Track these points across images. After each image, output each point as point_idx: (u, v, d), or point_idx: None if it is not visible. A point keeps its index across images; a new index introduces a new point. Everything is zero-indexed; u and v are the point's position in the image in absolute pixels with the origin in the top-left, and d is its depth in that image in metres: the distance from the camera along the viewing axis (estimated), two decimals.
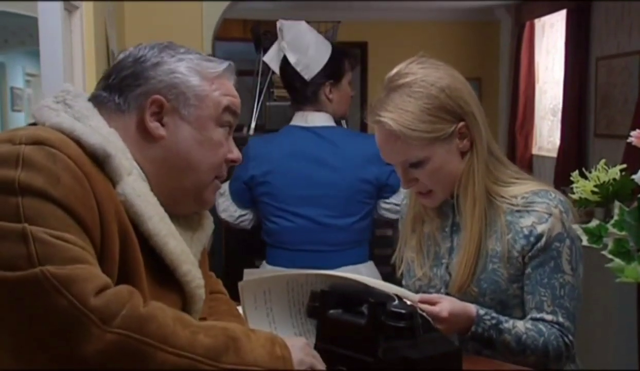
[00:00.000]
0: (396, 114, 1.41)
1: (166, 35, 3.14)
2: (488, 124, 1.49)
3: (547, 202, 1.42)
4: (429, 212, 1.54)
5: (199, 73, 1.13)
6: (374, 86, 6.06)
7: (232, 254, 3.24)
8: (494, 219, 1.45)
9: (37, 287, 0.89)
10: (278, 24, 2.39)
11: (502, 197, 1.45)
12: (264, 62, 3.73)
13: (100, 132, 1.07)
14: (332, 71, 2.33)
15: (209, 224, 1.23)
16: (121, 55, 1.16)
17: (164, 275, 1.09)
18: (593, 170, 1.02)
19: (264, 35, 3.67)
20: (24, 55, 7.78)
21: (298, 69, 2.28)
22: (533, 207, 1.42)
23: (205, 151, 1.13)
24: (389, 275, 3.07)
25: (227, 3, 3.13)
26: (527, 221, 1.42)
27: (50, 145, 0.97)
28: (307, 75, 2.29)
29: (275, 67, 2.39)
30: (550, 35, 5.10)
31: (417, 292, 1.54)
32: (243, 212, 2.40)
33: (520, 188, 1.45)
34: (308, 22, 4.43)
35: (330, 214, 2.26)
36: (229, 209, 2.41)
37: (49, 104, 1.09)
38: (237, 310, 1.34)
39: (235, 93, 1.18)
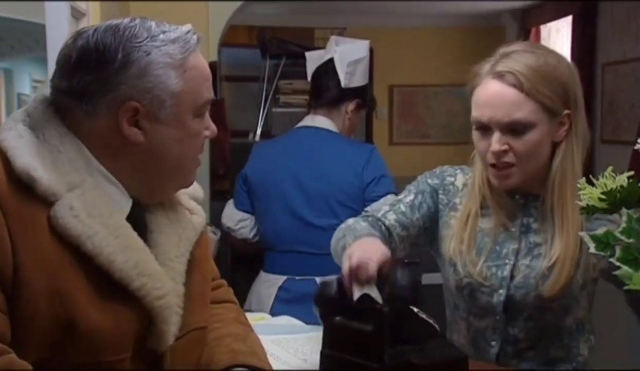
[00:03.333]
0: (525, 69, 1.37)
1: None
2: None
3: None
4: (491, 208, 1.48)
5: (170, 65, 1.07)
6: (379, 91, 6.06)
7: (237, 261, 3.24)
8: None
9: None
10: (333, 39, 2.50)
11: None
12: (270, 68, 3.76)
13: (50, 142, 1.04)
14: (362, 95, 2.43)
15: (200, 222, 1.21)
16: (79, 43, 1.07)
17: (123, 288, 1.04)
18: (600, 177, 1.02)
19: (270, 41, 3.68)
20: (30, 61, 7.79)
21: (340, 72, 2.34)
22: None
23: (186, 146, 1.11)
24: None
25: (232, 10, 3.14)
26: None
27: None
28: (346, 81, 2.36)
29: (312, 67, 2.46)
30: (556, 41, 5.09)
31: (462, 289, 1.50)
32: (244, 216, 2.42)
33: None
34: (314, 28, 4.44)
35: (316, 214, 2.29)
36: (230, 213, 2.45)
37: (15, 115, 1.08)
38: (245, 318, 1.33)
39: (207, 69, 1.13)
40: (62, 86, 1.08)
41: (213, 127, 1.16)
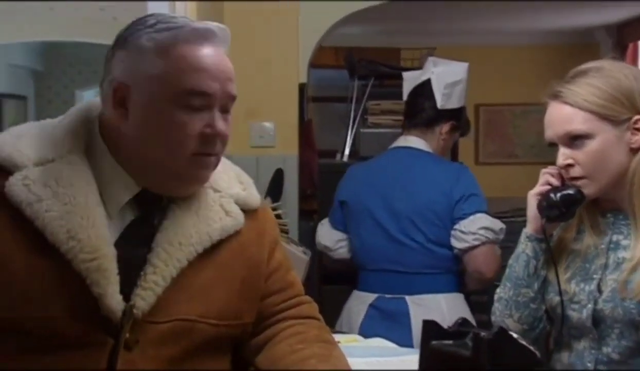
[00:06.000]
0: (574, 86, 1.44)
1: (264, 65, 3.20)
2: None
3: None
4: (585, 228, 1.51)
5: (152, 50, 1.11)
6: (470, 111, 5.98)
7: (327, 281, 3.25)
8: None
9: None
10: (430, 59, 2.53)
11: None
12: (357, 89, 3.78)
13: (54, 123, 1.18)
14: (457, 117, 2.45)
15: (231, 225, 1.20)
16: None
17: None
18: None
19: (358, 62, 3.70)
20: None
21: (437, 93, 2.38)
22: None
23: (168, 136, 1.11)
24: (484, 304, 3.01)
25: (322, 31, 3.18)
26: None
27: None
28: (442, 103, 2.38)
29: (408, 87, 2.51)
30: None
31: (554, 308, 1.53)
32: (342, 236, 2.47)
33: None
34: (401, 48, 4.43)
35: (404, 232, 2.32)
36: (327, 233, 2.48)
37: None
38: (328, 335, 1.31)
39: (205, 61, 1.11)
40: None
41: (217, 126, 1.13)
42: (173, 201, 1.18)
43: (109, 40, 1.20)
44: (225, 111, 1.16)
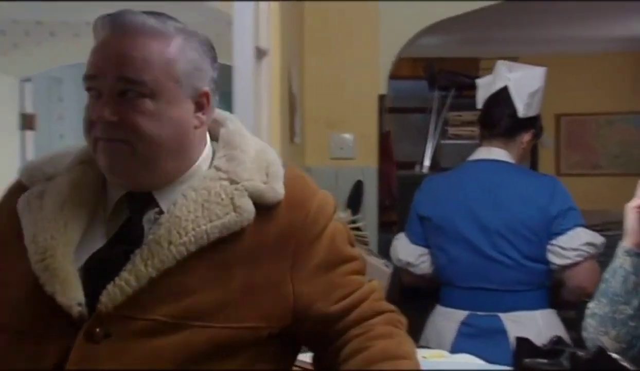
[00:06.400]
0: None
1: (344, 76, 3.20)
2: None
3: None
4: None
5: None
6: (545, 120, 5.80)
7: (407, 296, 3.22)
8: None
9: None
10: (501, 64, 2.44)
11: None
12: (437, 100, 3.75)
13: (76, 147, 1.23)
14: (536, 124, 2.37)
15: (234, 222, 1.11)
16: None
17: None
18: None
19: (438, 73, 3.68)
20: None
21: (519, 103, 2.30)
22: None
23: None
24: (572, 320, 2.92)
25: (402, 42, 3.17)
26: None
27: None
28: (524, 112, 2.31)
29: (483, 95, 2.42)
30: None
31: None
32: (423, 251, 2.40)
33: None
34: (480, 58, 4.35)
35: (497, 249, 2.24)
36: (406, 248, 2.42)
37: None
38: (397, 343, 1.14)
39: (96, 48, 1.12)
40: None
41: (94, 109, 1.11)
42: (185, 193, 1.14)
43: None
44: (125, 95, 1.10)
